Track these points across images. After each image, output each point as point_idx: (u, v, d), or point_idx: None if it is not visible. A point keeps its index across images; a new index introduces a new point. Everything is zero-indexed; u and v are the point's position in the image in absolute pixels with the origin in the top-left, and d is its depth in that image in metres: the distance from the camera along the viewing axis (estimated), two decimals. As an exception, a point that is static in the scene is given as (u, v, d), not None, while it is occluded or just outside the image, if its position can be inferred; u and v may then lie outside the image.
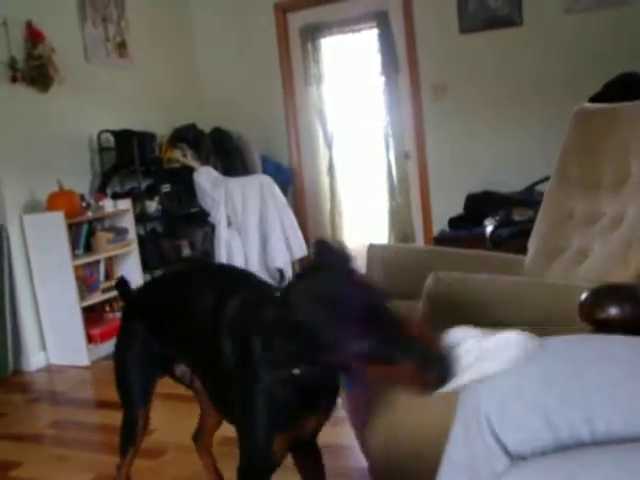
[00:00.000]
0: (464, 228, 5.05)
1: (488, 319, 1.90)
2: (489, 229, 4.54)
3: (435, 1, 5.36)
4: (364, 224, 6.02)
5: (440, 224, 5.40)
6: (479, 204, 5.22)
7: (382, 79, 5.62)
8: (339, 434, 2.85)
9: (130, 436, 2.11)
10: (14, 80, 4.35)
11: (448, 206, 5.37)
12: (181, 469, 2.67)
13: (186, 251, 5.32)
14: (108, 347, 4.46)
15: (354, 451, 2.63)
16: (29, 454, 3.05)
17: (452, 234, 5.16)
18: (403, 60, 5.57)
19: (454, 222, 5.16)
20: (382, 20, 5.53)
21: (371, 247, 2.84)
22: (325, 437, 2.74)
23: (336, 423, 2.91)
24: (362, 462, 2.45)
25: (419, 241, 5.71)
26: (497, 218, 4.64)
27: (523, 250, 2.74)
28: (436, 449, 1.88)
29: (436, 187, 5.63)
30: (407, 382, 1.27)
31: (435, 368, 1.14)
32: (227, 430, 2.11)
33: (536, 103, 5.10)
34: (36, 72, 4.44)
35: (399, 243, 5.48)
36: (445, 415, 1.88)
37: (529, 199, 4.69)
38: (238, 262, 4.89)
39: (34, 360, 4.42)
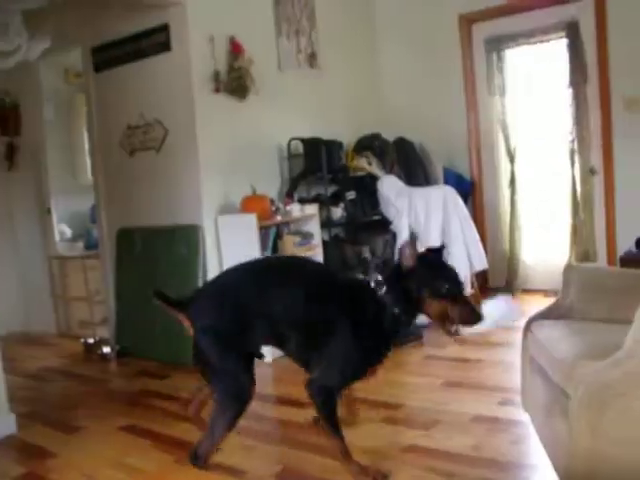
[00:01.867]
0: (653, 249, 4.81)
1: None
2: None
3: (631, 8, 5.11)
4: (544, 240, 5.85)
5: (625, 244, 5.16)
6: (671, 224, 4.95)
7: (569, 90, 5.43)
8: (524, 452, 2.83)
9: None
10: (217, 91, 4.68)
11: (635, 225, 5.13)
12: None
13: (367, 257, 5.44)
14: (289, 346, 4.67)
15: (542, 471, 2.59)
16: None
17: (639, 254, 4.92)
18: (593, 71, 5.36)
19: (642, 242, 4.92)
20: (572, 30, 5.35)
21: (568, 267, 2.78)
22: (512, 456, 2.74)
23: (518, 441, 2.90)
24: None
25: (601, 260, 5.49)
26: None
27: None
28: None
29: (623, 205, 5.37)
30: (457, 318, 2.50)
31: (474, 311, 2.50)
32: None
33: None
34: (236, 83, 4.74)
35: (586, 262, 5.28)
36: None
37: None
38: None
39: (220, 352, 4.69)
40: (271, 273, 2.80)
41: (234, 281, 2.83)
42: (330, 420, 2.61)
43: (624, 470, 1.88)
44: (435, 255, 2.73)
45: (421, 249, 2.66)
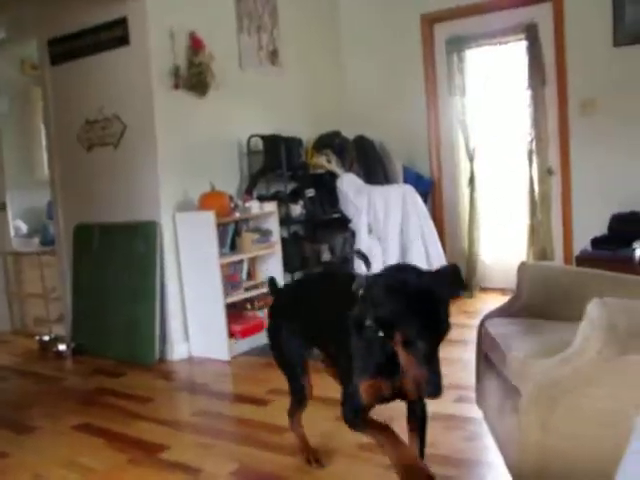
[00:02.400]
0: (608, 249, 4.89)
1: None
2: (639, 252, 4.37)
3: (588, 13, 5.20)
4: (502, 239, 5.92)
5: (581, 243, 5.25)
6: (626, 225, 5.04)
7: (528, 92, 5.51)
8: (477, 449, 2.86)
9: (301, 401, 2.76)
10: (176, 87, 4.64)
11: (591, 225, 5.22)
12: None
13: (326, 255, 5.44)
14: (248, 343, 4.66)
15: (496, 468, 2.62)
16: (175, 439, 3.24)
17: (595, 254, 5.01)
18: (551, 73, 5.45)
19: (597, 242, 5.01)
20: (531, 32, 5.43)
21: (522, 265, 2.81)
22: (467, 453, 2.77)
23: (472, 438, 2.93)
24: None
25: (558, 259, 5.57)
26: (648, 241, 4.46)
27: (679, 277, 2.65)
28: (590, 476, 1.87)
29: (579, 205, 5.46)
30: (411, 382, 1.96)
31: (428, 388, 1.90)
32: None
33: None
34: (196, 79, 4.70)
35: (542, 261, 5.35)
36: (601, 444, 1.87)
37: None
38: (376, 269, 4.94)
39: (177, 350, 4.67)
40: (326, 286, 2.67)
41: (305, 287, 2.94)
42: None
43: (573, 465, 1.91)
44: (392, 276, 2.01)
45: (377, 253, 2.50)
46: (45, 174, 6.20)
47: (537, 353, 2.11)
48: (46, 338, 5.26)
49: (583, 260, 4.93)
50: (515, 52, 5.59)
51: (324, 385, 2.88)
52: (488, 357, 2.63)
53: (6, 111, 6.23)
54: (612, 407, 1.89)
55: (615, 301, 1.91)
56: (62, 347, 5.01)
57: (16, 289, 6.03)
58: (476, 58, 5.82)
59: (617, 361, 1.88)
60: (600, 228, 5.10)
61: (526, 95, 5.52)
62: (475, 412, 3.06)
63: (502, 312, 2.81)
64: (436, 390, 1.91)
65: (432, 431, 3.01)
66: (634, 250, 4.51)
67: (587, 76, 5.27)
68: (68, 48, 4.97)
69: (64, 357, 4.94)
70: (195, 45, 4.70)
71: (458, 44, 5.82)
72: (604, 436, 1.88)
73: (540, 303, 2.71)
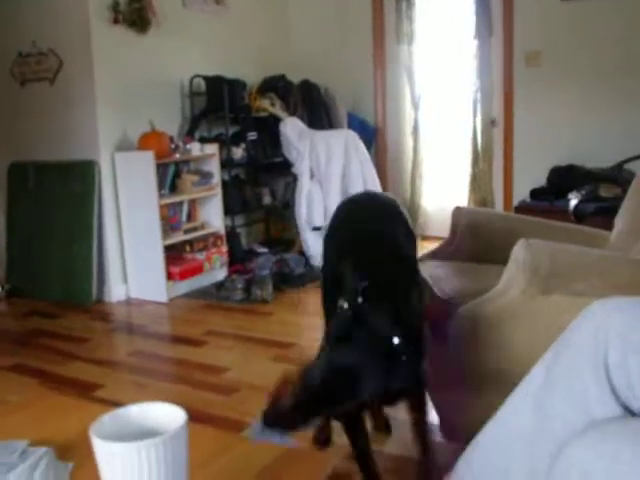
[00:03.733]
0: (546, 200, 4.98)
1: (570, 289, 1.92)
2: (573, 203, 4.46)
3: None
4: (444, 187, 5.98)
5: (521, 194, 5.34)
6: (563, 177, 5.13)
7: (475, 42, 5.50)
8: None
9: None
10: (116, 22, 4.48)
11: (530, 177, 5.30)
12: (252, 406, 2.78)
13: (267, 199, 5.42)
14: (186, 286, 4.64)
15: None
16: (110, 378, 3.23)
17: (533, 205, 5.10)
18: (498, 24, 5.44)
19: (536, 193, 5.10)
20: (480, -19, 5.40)
21: (457, 210, 2.85)
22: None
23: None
24: (431, 416, 2.51)
25: (498, 209, 5.66)
26: (582, 193, 4.55)
27: (607, 227, 2.71)
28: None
29: (520, 156, 5.54)
30: None
31: None
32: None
33: (632, 80, 4.93)
34: (136, 15, 4.55)
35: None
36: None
37: (617, 176, 4.59)
38: (318, 214, 4.96)
39: (115, 292, 4.62)
40: None
41: None
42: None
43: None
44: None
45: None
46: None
47: (466, 294, 2.15)
48: (-20, 279, 5.14)
49: (522, 210, 5.01)
50: (463, 1, 5.56)
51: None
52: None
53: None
54: (533, 344, 1.94)
55: (540, 243, 1.95)
56: (-4, 289, 4.91)
57: (-51, 229, 5.85)
58: (425, 5, 5.76)
59: (539, 300, 1.93)
60: (539, 180, 5.19)
61: (473, 45, 5.52)
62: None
63: (435, 255, 2.84)
64: None
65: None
66: (569, 201, 4.60)
67: (533, 28, 5.28)
68: (1, -24, 4.75)
69: (-2, 299, 4.85)
70: (135, -21, 4.54)
71: (407, -10, 5.75)
72: (524, 373, 1.94)
73: (473, 247, 2.76)
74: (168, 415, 0.92)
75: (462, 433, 2.07)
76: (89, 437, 0.90)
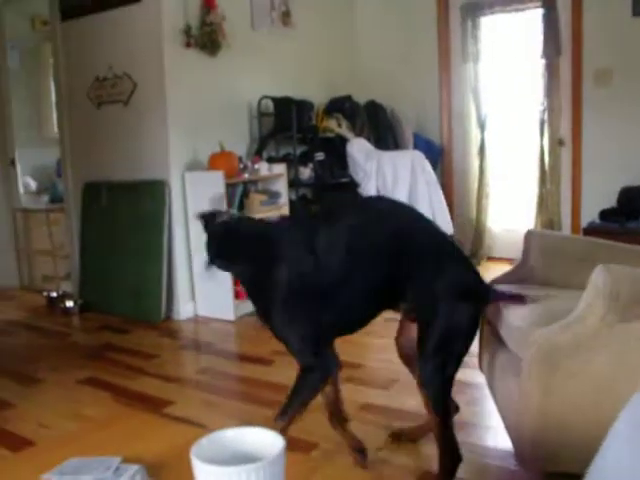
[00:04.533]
0: (616, 221, 4.89)
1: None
2: (647, 225, 4.36)
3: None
4: (510, 208, 5.91)
5: (589, 215, 5.24)
6: (635, 198, 5.02)
7: (542, 61, 5.45)
8: (478, 413, 2.89)
9: None
10: (188, 45, 4.60)
11: (600, 197, 5.21)
12: (321, 426, 2.79)
13: (333, 220, 5.44)
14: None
15: (495, 431, 2.66)
16: (180, 395, 3.28)
17: (603, 226, 5.01)
18: (567, 43, 5.37)
19: (606, 214, 5.00)
20: (548, 0, 5.35)
21: (529, 233, 2.81)
22: (466, 416, 2.80)
23: (473, 402, 2.96)
24: (504, 443, 2.48)
25: (565, 230, 5.57)
26: (657, 214, 4.45)
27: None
28: (586, 440, 1.88)
29: (589, 177, 5.44)
30: None
31: None
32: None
33: None
34: (207, 38, 4.67)
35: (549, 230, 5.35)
36: (599, 409, 1.89)
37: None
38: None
39: (183, 310, 4.71)
40: None
41: None
42: None
43: (570, 429, 1.93)
44: None
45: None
46: (54, 131, 6.20)
47: (540, 321, 2.12)
48: (54, 294, 5.31)
49: (590, 232, 4.92)
50: (531, 19, 5.52)
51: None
52: (491, 323, 2.64)
53: (16, 67, 6.21)
54: (611, 373, 1.91)
55: (619, 268, 1.92)
56: (69, 304, 5.05)
57: (24, 246, 6.07)
58: (491, 25, 5.75)
59: (618, 328, 1.89)
60: (609, 201, 5.09)
61: (540, 64, 5.46)
62: (476, 378, 3.09)
63: (507, 279, 2.82)
64: None
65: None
66: (643, 223, 4.50)
67: (603, 46, 5.21)
68: (79, 3, 4.94)
69: (71, 314, 4.99)
70: (207, 4, 4.66)
71: (473, 10, 5.75)
72: (602, 401, 1.90)
73: (545, 271, 2.72)
74: (264, 440, 0.93)
75: (536, 462, 2.05)
76: (179, 457, 0.92)
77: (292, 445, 2.61)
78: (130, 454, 1.25)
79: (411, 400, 3.00)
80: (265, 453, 0.89)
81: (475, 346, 2.98)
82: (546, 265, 2.72)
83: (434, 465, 2.34)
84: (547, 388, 1.95)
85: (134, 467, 1.16)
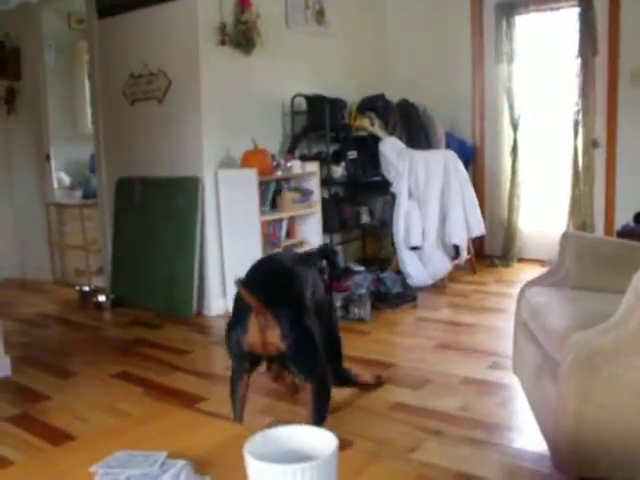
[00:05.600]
0: (651, 225, 4.83)
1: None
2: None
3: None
4: (543, 209, 5.85)
5: (623, 218, 5.18)
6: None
7: (578, 61, 5.38)
8: (511, 415, 2.87)
9: None
10: (223, 43, 4.63)
11: (634, 200, 5.15)
12: (353, 425, 2.79)
13: (365, 217, 5.45)
14: (283, 302, 4.69)
15: (527, 433, 2.64)
16: (211, 391, 3.30)
17: (637, 229, 4.96)
18: (603, 42, 5.31)
19: (640, 217, 4.94)
20: (585, -1, 5.29)
21: (564, 236, 2.79)
22: (498, 418, 2.79)
23: (504, 404, 2.94)
24: (536, 445, 2.46)
25: (599, 232, 5.50)
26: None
27: None
28: (626, 446, 1.87)
29: (623, 179, 5.37)
30: None
31: None
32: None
33: None
34: (242, 36, 4.69)
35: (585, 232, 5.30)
36: (639, 413, 1.87)
37: None
38: (415, 233, 4.96)
39: (215, 305, 4.74)
40: None
41: None
42: None
43: (609, 434, 1.92)
44: None
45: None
46: (89, 127, 6.27)
47: (577, 326, 2.10)
48: (86, 289, 5.37)
49: (624, 235, 4.87)
50: (566, 19, 5.46)
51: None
52: (527, 325, 2.62)
53: (52, 64, 6.28)
54: (653, 378, 1.89)
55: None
56: (102, 298, 5.11)
57: (58, 240, 6.15)
58: (526, 24, 5.70)
59: (660, 332, 1.87)
60: (644, 203, 5.03)
61: (575, 64, 5.40)
62: (508, 379, 3.08)
63: (543, 281, 2.79)
64: None
65: (465, 395, 3.06)
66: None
67: (640, 47, 5.14)
68: (115, 2, 4.99)
69: (103, 308, 5.04)
70: (242, 2, 4.68)
71: (508, 9, 5.70)
72: (643, 407, 1.88)
73: (581, 274, 2.70)
74: (316, 439, 0.94)
75: (572, 467, 2.03)
76: (223, 453, 0.93)
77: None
78: (175, 449, 1.26)
79: (443, 401, 3.00)
80: (317, 452, 0.90)
81: (509, 348, 2.97)
82: (582, 268, 2.69)
83: (468, 466, 2.34)
84: (586, 392, 1.93)
85: (180, 462, 1.17)
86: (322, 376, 2.40)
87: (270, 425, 2.69)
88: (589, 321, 2.06)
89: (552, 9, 5.57)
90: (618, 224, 5.25)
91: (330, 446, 0.89)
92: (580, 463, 1.97)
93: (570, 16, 5.41)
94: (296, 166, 4.83)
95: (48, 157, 6.09)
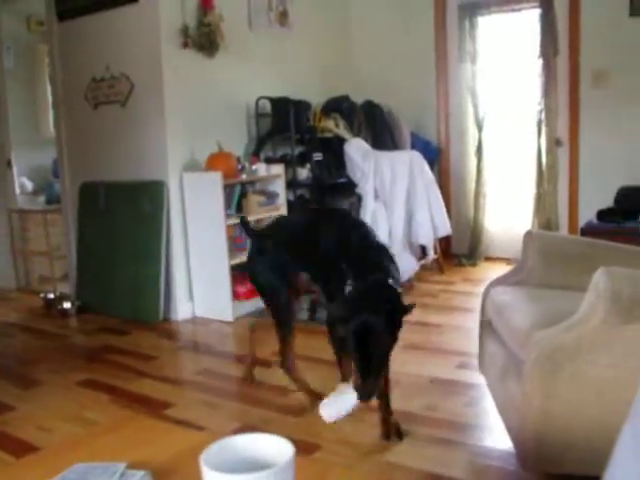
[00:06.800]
0: (614, 221, 4.88)
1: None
2: (645, 224, 4.36)
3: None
4: (508, 207, 5.91)
5: (586, 215, 5.24)
6: (633, 198, 5.02)
7: (540, 61, 5.44)
8: (478, 414, 2.89)
9: (288, 325, 3.01)
10: (185, 46, 4.59)
11: (597, 197, 5.20)
12: (323, 427, 2.79)
13: (331, 220, 5.44)
14: (251, 305, 4.68)
15: (495, 432, 2.66)
16: (179, 397, 3.28)
17: (600, 226, 5.00)
18: (564, 43, 5.37)
19: (603, 214, 4.99)
20: (546, 0, 5.34)
21: (528, 234, 2.81)
22: (466, 417, 2.81)
23: (472, 403, 2.96)
24: (503, 444, 2.48)
25: (563, 230, 5.57)
26: (654, 213, 4.45)
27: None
28: (589, 441, 1.89)
29: (586, 177, 5.44)
30: None
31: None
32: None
33: None
34: (205, 39, 4.66)
35: (548, 231, 5.35)
36: (602, 411, 1.89)
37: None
38: (382, 235, 4.94)
39: (181, 310, 4.70)
40: None
41: None
42: None
43: (572, 430, 1.94)
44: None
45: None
46: (51, 132, 6.18)
47: (541, 322, 2.12)
48: (51, 296, 5.29)
49: (588, 232, 4.92)
50: (528, 20, 5.52)
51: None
52: (492, 324, 2.64)
53: (12, 67, 6.18)
54: (613, 375, 1.91)
55: (621, 270, 1.92)
56: (67, 305, 5.04)
57: (21, 247, 6.04)
58: (488, 25, 5.75)
59: (620, 329, 1.89)
60: (606, 201, 5.08)
61: (537, 64, 5.46)
62: (476, 379, 3.10)
63: (507, 280, 2.82)
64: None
65: (433, 396, 3.07)
66: (640, 222, 4.50)
67: (601, 46, 5.20)
68: (75, 4, 4.92)
69: (69, 315, 4.97)
70: (205, 4, 4.64)
71: (471, 10, 5.74)
72: (604, 403, 1.91)
73: (545, 272, 2.72)
74: (273, 446, 0.93)
75: (538, 464, 2.05)
76: (184, 462, 0.92)
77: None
78: (135, 459, 1.24)
79: (411, 401, 3.01)
80: (276, 459, 0.89)
81: (476, 347, 2.99)
82: (545, 266, 2.72)
83: (437, 466, 2.34)
84: (549, 390, 1.95)
85: (139, 473, 1.16)
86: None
87: (237, 431, 2.68)
88: (552, 319, 2.08)
89: (514, 10, 5.63)
90: (582, 221, 5.30)
91: (287, 453, 0.89)
92: (545, 459, 1.99)
93: (531, 17, 5.47)
94: (261, 169, 4.81)
95: (9, 163, 5.98)
